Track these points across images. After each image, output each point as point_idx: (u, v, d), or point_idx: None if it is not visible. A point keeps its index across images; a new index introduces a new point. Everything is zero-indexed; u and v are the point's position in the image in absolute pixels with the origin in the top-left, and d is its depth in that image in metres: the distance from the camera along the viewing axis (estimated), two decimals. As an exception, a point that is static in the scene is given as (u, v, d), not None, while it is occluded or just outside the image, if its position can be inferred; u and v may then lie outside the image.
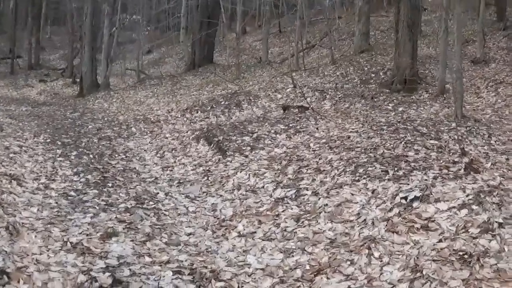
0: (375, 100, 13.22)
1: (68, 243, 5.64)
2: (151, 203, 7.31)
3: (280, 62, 25.79)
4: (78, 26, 31.60)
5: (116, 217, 6.54)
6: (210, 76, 23.56)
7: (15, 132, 12.00)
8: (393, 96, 13.30)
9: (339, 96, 14.15)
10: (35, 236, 5.75)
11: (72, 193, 7.54)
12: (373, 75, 16.18)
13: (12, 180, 7.54)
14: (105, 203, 7.15)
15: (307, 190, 7.17)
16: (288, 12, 26.84)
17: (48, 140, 11.34)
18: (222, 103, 15.07)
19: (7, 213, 6.21)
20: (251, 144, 9.74)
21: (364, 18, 20.27)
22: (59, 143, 11.08)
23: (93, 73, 26.32)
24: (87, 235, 5.93)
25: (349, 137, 9.30)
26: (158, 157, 10.35)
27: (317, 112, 11.72)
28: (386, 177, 6.92)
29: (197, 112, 14.71)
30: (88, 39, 26.14)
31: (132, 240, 5.83)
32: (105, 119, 15.70)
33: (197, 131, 11.67)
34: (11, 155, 9.29)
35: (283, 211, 6.70)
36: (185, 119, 14.25)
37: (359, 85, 15.38)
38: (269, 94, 15.65)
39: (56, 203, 7.02)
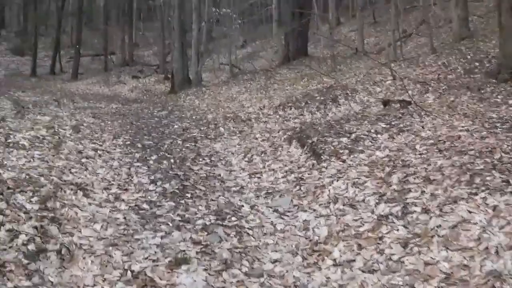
0: (482, 91, 11.82)
1: (129, 271, 4.85)
2: (233, 218, 6.39)
3: (376, 52, 24.58)
4: (168, 21, 31.16)
5: (190, 237, 5.70)
6: (304, 70, 22.54)
7: (93, 133, 11.36)
8: (501, 86, 11.77)
9: (443, 88, 12.77)
10: (92, 262, 4.99)
11: (145, 205, 6.73)
12: (477, 63, 14.47)
13: (78, 191, 6.80)
14: (180, 218, 6.31)
15: (416, 205, 5.85)
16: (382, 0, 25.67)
17: (128, 143, 10.63)
18: (317, 98, 14.04)
19: (64, 231, 5.49)
20: (349, 146, 8.51)
21: (462, 3, 18.75)
22: (139, 145, 10.34)
23: (184, 69, 25.77)
24: (154, 261, 5.12)
25: (459, 137, 7.81)
26: (246, 161, 9.35)
27: (420, 107, 10.50)
28: (509, 190, 5.57)
29: (291, 108, 13.72)
30: (178, 34, 25.59)
31: (205, 269, 4.98)
32: (193, 117, 14.92)
33: (290, 131, 10.61)
34: (83, 160, 8.59)
35: (387, 232, 5.50)
36: (277, 116, 13.28)
37: (463, 75, 13.95)
38: (367, 88, 14.43)
39: (125, 218, 6.23)
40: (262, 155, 9.47)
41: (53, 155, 8.37)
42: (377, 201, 6.27)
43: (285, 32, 26.59)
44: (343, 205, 6.43)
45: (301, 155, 8.98)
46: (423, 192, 6.14)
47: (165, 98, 24.05)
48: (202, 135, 11.64)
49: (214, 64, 31.12)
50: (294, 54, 26.09)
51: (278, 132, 10.91)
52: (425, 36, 20.70)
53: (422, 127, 9.03)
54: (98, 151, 9.45)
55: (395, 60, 17.62)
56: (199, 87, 23.98)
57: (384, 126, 9.41)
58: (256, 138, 10.82)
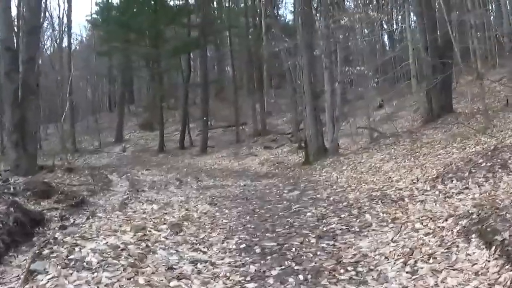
0: None
1: None
2: None
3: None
4: (298, 84, 28.90)
5: None
6: (453, 128, 19.66)
7: (198, 232, 8.97)
8: None
9: None
10: None
11: None
12: None
13: None
14: None
15: None
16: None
17: (243, 245, 7.98)
18: (482, 165, 11.18)
19: None
20: None
21: None
22: (258, 250, 7.67)
23: (318, 136, 23.26)
24: None
25: None
26: (407, 272, 6.28)
27: None
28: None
29: (452, 180, 10.82)
30: (309, 98, 23.18)
31: None
32: (331, 198, 12.10)
33: (463, 218, 7.52)
34: (172, 283, 6.08)
35: None
36: (436, 192, 10.33)
37: None
38: (543, 147, 11.58)
39: None
40: (430, 260, 6.53)
41: (129, 278, 6.02)
42: None
43: (427, 88, 23.76)
44: None
45: (488, 260, 6.10)
46: None
47: (298, 170, 21.62)
48: (343, 227, 8.83)
49: (351, 128, 28.50)
50: (438, 112, 23.30)
51: (446, 220, 7.91)
52: None
53: None
54: (198, 265, 6.93)
55: None
56: (336, 156, 21.36)
57: None
58: (417, 230, 7.85)
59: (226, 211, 11.52)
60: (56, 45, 56.92)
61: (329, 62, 23.18)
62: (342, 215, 9.76)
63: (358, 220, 9.22)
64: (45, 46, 62.07)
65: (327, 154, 22.38)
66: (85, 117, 59.33)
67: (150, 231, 8.31)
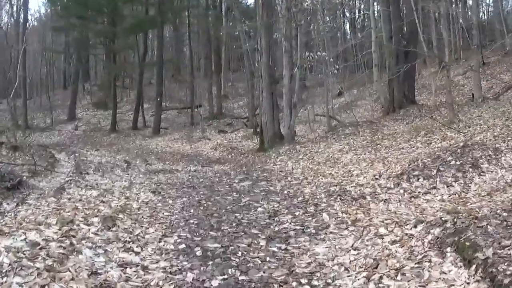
0: None
1: None
2: None
3: (493, 97, 20.75)
4: (256, 68, 27.73)
5: None
6: (415, 121, 18.90)
7: (134, 227, 7.76)
8: None
9: None
10: None
11: None
12: None
13: None
14: None
15: None
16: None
17: (182, 245, 6.87)
18: (451, 163, 10.30)
19: None
20: None
21: None
22: (199, 252, 6.57)
23: (275, 122, 22.25)
24: None
25: None
26: None
27: None
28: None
29: (418, 178, 9.92)
30: (266, 82, 22.13)
31: None
32: (285, 192, 11.09)
33: (434, 226, 6.52)
34: None
35: None
36: (401, 191, 9.42)
37: None
38: (514, 146, 10.64)
39: None
40: (398, 277, 5.32)
41: (42, 286, 4.90)
42: None
43: (389, 78, 22.89)
44: None
45: (468, 282, 5.04)
46: None
47: (252, 157, 20.62)
48: (297, 227, 7.73)
49: (308, 116, 27.48)
50: (400, 102, 22.55)
51: (415, 226, 6.85)
52: None
53: None
54: (128, 270, 5.80)
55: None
56: (293, 144, 20.36)
57: None
58: (381, 237, 6.79)
59: (170, 201, 10.45)
60: (13, 20, 55.04)
61: (289, 45, 22.06)
62: (297, 213, 8.70)
63: (314, 220, 8.17)
64: (2, 22, 60.51)
65: (283, 142, 21.40)
66: (39, 94, 57.54)
67: (78, 225, 7.16)
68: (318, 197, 9.88)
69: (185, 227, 8.01)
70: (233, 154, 23.04)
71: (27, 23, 51.21)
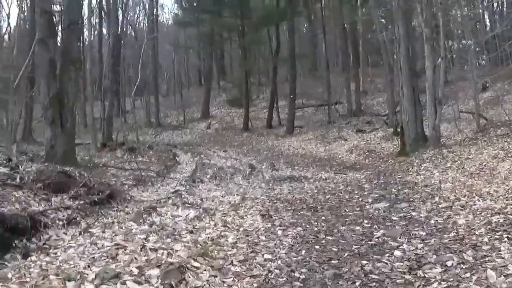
0: None
1: None
2: None
3: None
4: (394, 60, 24.93)
5: None
6: None
7: (215, 280, 5.64)
8: None
9: None
10: None
11: None
12: None
13: None
14: None
15: None
16: None
17: None
18: None
19: None
20: None
21: None
22: None
23: (417, 122, 19.51)
24: None
25: None
26: None
27: None
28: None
29: None
30: (406, 75, 19.44)
31: None
32: (432, 222, 8.32)
33: None
34: None
35: None
36: None
37: None
38: None
39: None
40: None
41: None
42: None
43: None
44: None
45: None
46: None
47: (391, 163, 18.12)
48: None
49: (454, 114, 24.38)
50: None
51: None
52: None
53: None
54: None
55: None
56: (438, 148, 17.50)
57: None
58: None
59: (279, 232, 8.16)
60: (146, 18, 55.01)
61: (430, 32, 19.21)
62: (449, 262, 6.09)
63: (474, 278, 5.62)
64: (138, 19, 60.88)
65: (426, 145, 18.62)
66: (174, 92, 57.14)
67: (125, 283, 5.12)
68: (476, 232, 7.23)
69: (286, 285, 5.78)
70: (370, 159, 20.52)
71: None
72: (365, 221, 8.67)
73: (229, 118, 45.28)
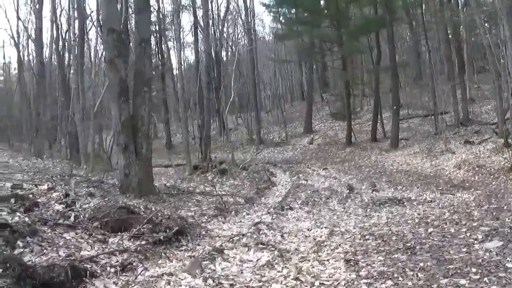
0: None
1: None
2: None
3: None
4: (502, 65, 22.87)
5: None
6: None
7: None
8: None
9: None
10: None
11: None
12: None
13: None
14: None
15: None
16: None
17: None
18: None
19: None
20: None
21: None
22: None
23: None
24: None
25: None
26: None
27: None
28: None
29: None
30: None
31: None
32: None
33: None
34: None
35: None
36: None
37: None
38: None
39: None
40: None
41: None
42: None
43: None
44: None
45: None
46: None
47: (503, 180, 16.23)
48: None
49: None
50: None
51: None
52: None
53: None
54: None
55: None
56: (559, 163, 15.55)
57: None
58: None
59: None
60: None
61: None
62: None
63: None
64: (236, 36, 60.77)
65: (544, 158, 16.61)
66: (277, 107, 56.17)
67: None
68: None
69: None
70: (480, 175, 18.50)
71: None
72: (474, 271, 6.94)
73: (332, 132, 43.82)
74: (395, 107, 34.04)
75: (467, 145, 25.89)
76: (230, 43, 59.86)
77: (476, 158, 21.70)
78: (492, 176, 17.68)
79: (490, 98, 36.50)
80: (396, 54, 40.41)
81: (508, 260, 7.21)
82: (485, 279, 6.54)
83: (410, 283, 6.64)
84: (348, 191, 17.18)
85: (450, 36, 38.08)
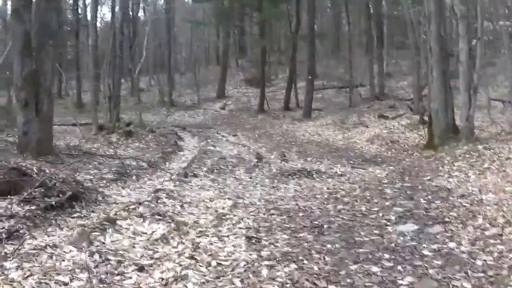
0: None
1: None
2: None
3: None
4: (422, 42, 22.68)
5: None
6: None
7: None
8: None
9: None
10: None
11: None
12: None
13: None
14: None
15: None
16: None
17: None
18: None
19: None
20: None
21: None
22: None
23: (448, 111, 17.15)
24: None
25: None
26: None
27: None
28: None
29: None
30: (436, 58, 17.06)
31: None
32: (478, 263, 5.98)
33: None
34: None
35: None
36: None
37: None
38: None
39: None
40: None
41: None
42: None
43: None
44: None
45: None
46: None
47: (417, 158, 15.91)
48: None
49: (488, 102, 21.78)
50: None
51: None
52: None
53: None
54: None
55: None
56: (472, 143, 15.18)
57: None
58: None
59: (264, 271, 5.85)
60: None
61: (465, 9, 16.87)
62: None
63: None
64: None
65: (458, 137, 16.25)
66: (191, 71, 54.93)
67: None
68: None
69: None
70: (393, 151, 18.22)
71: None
72: (385, 256, 6.33)
73: (246, 98, 43.11)
74: (310, 77, 33.54)
75: (381, 120, 25.76)
76: (148, 1, 58.26)
77: (390, 133, 21.52)
78: (406, 153, 17.44)
79: (407, 74, 36.51)
80: (316, 25, 39.95)
81: (424, 247, 6.71)
82: (399, 267, 6.03)
83: (316, 268, 6.04)
84: (256, 160, 16.55)
85: (371, 11, 37.92)
